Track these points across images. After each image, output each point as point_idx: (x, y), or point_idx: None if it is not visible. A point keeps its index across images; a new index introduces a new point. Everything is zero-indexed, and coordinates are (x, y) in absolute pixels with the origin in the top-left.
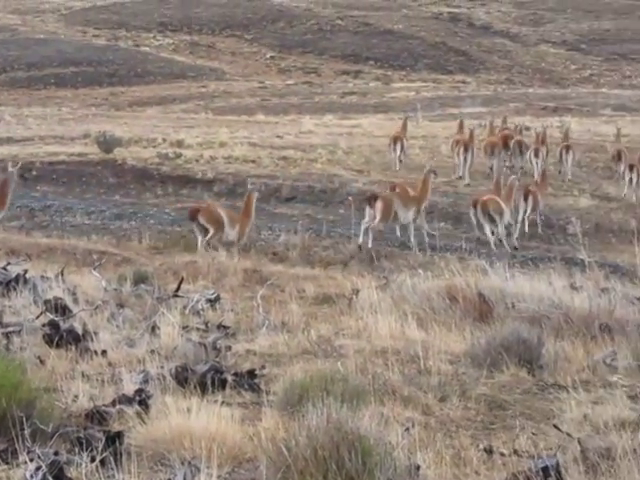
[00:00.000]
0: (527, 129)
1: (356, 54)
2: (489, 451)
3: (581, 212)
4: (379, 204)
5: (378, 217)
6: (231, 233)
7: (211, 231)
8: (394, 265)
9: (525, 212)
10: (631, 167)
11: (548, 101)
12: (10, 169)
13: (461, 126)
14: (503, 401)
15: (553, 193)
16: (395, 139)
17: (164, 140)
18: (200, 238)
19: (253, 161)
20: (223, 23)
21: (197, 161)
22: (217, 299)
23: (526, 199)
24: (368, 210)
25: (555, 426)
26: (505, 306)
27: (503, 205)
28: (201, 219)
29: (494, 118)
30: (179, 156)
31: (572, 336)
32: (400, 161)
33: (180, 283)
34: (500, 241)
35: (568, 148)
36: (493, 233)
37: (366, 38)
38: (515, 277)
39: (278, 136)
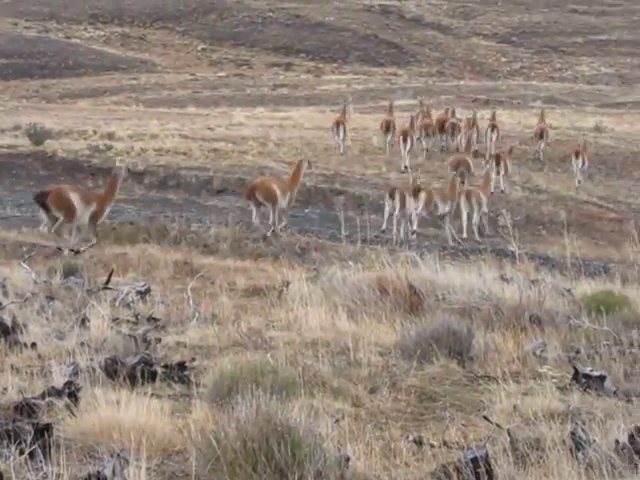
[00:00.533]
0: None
1: (287, 46)
2: (419, 442)
3: (511, 204)
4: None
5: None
6: (84, 216)
7: (60, 218)
8: (325, 257)
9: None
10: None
11: (479, 93)
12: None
13: (390, 109)
14: (433, 392)
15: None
16: (337, 123)
17: (95, 132)
18: (50, 223)
19: (184, 153)
20: (154, 15)
21: (128, 153)
22: (147, 291)
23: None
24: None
25: (485, 417)
26: (435, 298)
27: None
28: (50, 204)
29: (424, 106)
30: (110, 148)
31: (502, 327)
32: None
33: (110, 275)
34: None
35: (494, 127)
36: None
37: (297, 30)
38: (446, 269)
39: (209, 128)
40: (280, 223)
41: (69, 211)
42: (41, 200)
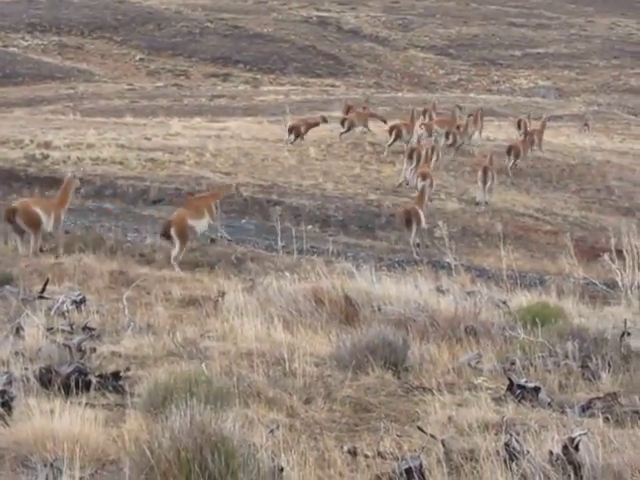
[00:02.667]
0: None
1: (225, 57)
2: (353, 453)
3: (448, 216)
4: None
5: None
6: (48, 224)
7: (32, 233)
8: (261, 267)
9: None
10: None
11: (417, 105)
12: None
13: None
14: (368, 403)
15: None
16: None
17: (31, 141)
18: (19, 240)
19: (121, 163)
20: (92, 24)
21: (64, 162)
22: (83, 301)
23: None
24: None
25: (419, 428)
26: (371, 309)
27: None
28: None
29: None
30: (46, 157)
31: (438, 339)
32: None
33: (45, 284)
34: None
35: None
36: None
37: (235, 41)
38: (382, 280)
39: (146, 138)
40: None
41: (36, 224)
42: (8, 217)
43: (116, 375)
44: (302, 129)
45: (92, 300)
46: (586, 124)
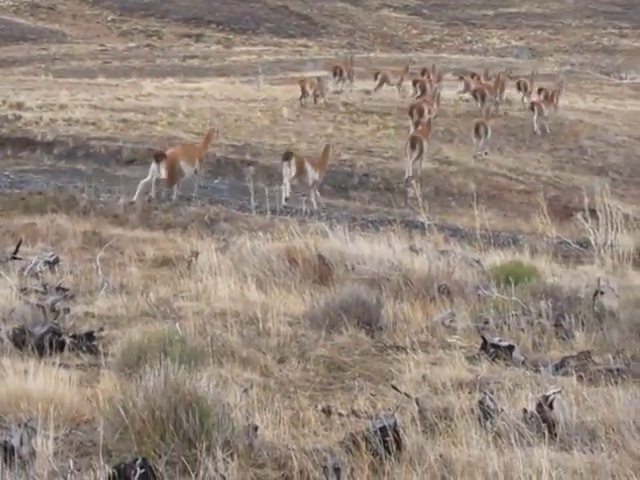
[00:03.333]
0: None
1: (198, 17)
2: (327, 412)
3: (421, 175)
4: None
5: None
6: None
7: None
8: (234, 227)
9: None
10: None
11: (390, 65)
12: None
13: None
14: (342, 362)
15: (394, 156)
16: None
17: (4, 102)
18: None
19: (93, 123)
20: None
21: (37, 123)
22: (56, 261)
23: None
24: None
25: (393, 387)
26: (345, 268)
27: None
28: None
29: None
30: (19, 118)
31: (411, 298)
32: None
33: (18, 245)
34: None
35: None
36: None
37: (208, 2)
38: (355, 240)
39: (119, 99)
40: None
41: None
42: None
43: (90, 335)
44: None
45: (65, 261)
46: (559, 84)
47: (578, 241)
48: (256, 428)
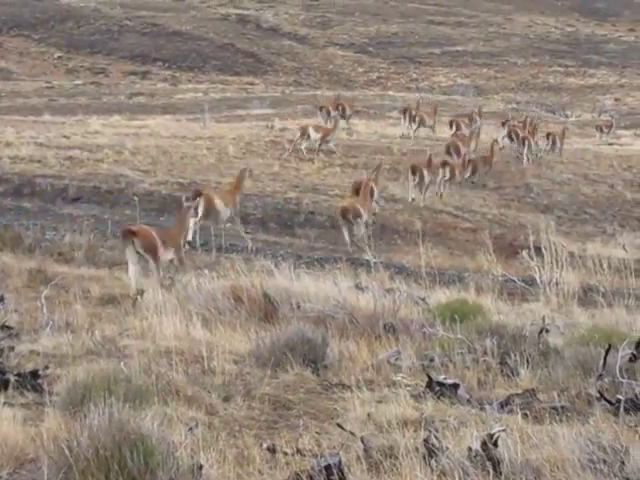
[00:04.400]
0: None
1: (144, 55)
2: (272, 450)
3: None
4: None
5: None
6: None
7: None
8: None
9: None
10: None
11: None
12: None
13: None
14: (287, 400)
15: (340, 194)
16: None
17: None
18: None
19: (39, 161)
20: (11, 22)
21: None
22: (1, 299)
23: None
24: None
25: (338, 425)
26: (290, 306)
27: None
28: None
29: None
30: None
31: (357, 336)
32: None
33: None
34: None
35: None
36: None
37: (154, 39)
38: (301, 278)
39: (65, 136)
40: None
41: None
42: None
43: (35, 374)
44: None
45: (10, 299)
46: (505, 121)
47: (524, 279)
48: (201, 467)
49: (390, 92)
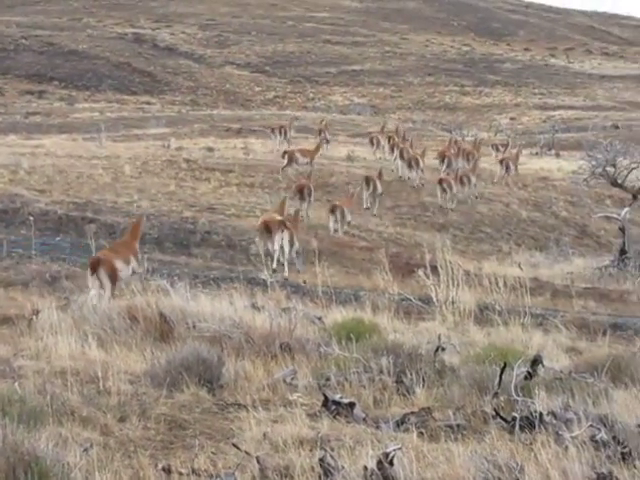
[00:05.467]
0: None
1: (40, 74)
2: (167, 470)
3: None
4: None
5: None
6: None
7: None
8: (75, 285)
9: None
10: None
11: (232, 122)
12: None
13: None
14: (183, 420)
15: (236, 214)
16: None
17: None
18: None
19: None
20: None
21: None
22: None
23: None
24: None
25: (234, 445)
26: (186, 326)
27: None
28: None
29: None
30: None
31: (253, 355)
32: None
33: None
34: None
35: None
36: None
37: (51, 58)
38: (197, 297)
39: None
40: None
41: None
42: None
43: None
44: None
45: None
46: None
47: (420, 297)
48: None
49: (287, 111)
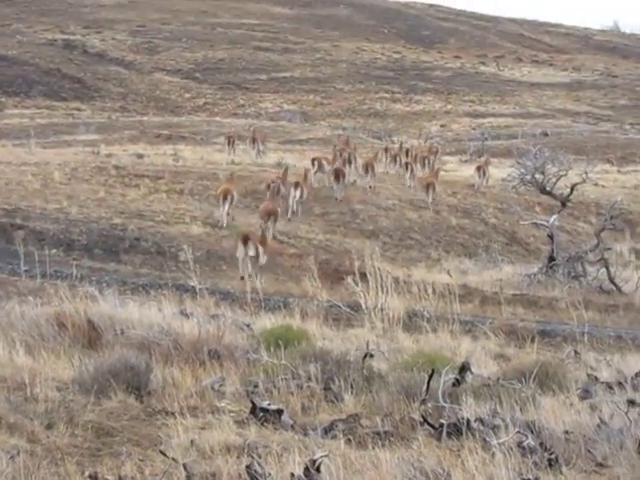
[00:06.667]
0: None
1: None
2: (94, 478)
3: (193, 239)
4: None
5: None
6: None
7: None
8: (3, 292)
9: None
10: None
11: (162, 129)
12: None
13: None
14: (110, 428)
15: (166, 220)
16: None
17: None
18: None
19: None
20: None
21: None
22: None
23: None
24: None
25: (161, 452)
26: (114, 333)
27: None
28: None
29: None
30: None
31: (181, 362)
32: None
33: None
34: None
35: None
36: None
37: None
38: (126, 304)
39: None
40: None
41: None
42: None
43: None
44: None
45: None
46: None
47: (349, 304)
48: None
49: (217, 118)
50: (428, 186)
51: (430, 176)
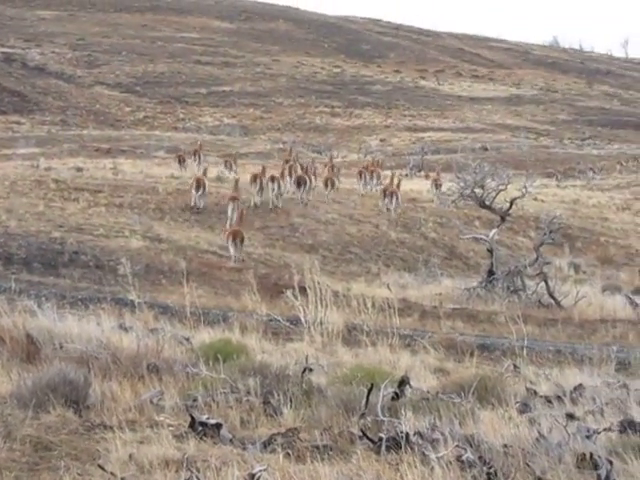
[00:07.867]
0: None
1: None
2: None
3: (132, 253)
4: None
5: None
6: None
7: None
8: None
9: None
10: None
11: (102, 142)
12: None
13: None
14: (49, 442)
15: (105, 234)
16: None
17: None
18: None
19: None
20: None
21: None
22: None
23: None
24: None
25: (100, 466)
26: (53, 347)
27: None
28: None
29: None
30: None
31: (120, 376)
32: None
33: None
34: None
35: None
36: None
37: None
38: (65, 318)
39: None
40: None
41: None
42: None
43: None
44: None
45: None
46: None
47: (288, 318)
48: None
49: (157, 132)
50: (392, 194)
51: (392, 185)
